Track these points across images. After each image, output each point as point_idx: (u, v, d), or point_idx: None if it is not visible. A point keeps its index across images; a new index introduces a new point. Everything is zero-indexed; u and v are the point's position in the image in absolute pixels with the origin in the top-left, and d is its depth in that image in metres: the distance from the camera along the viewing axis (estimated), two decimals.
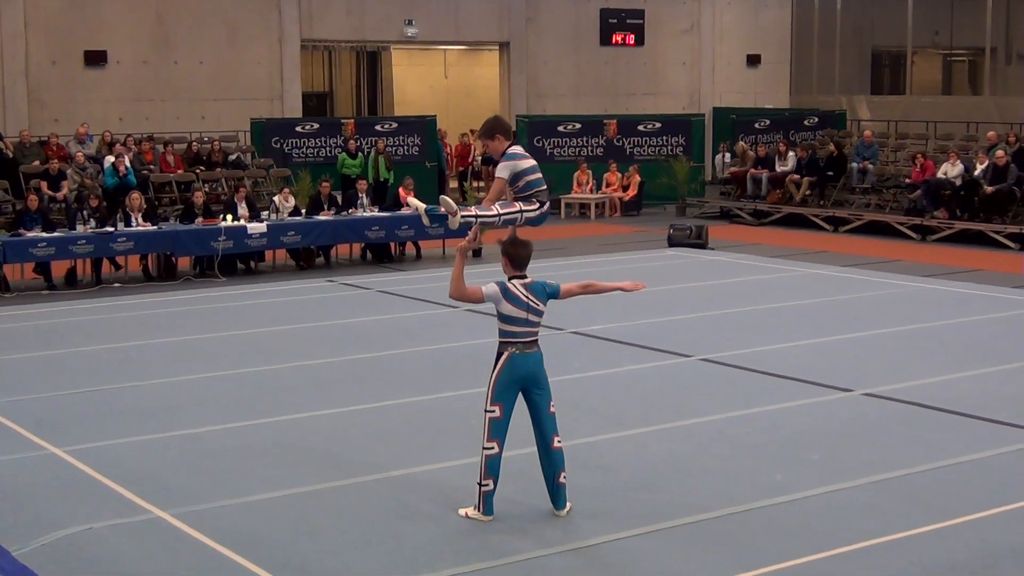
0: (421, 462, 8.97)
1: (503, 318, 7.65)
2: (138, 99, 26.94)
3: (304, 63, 30.14)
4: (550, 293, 7.75)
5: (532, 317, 7.66)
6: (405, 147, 27.03)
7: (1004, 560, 7.11)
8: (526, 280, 7.70)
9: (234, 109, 27.55)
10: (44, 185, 20.85)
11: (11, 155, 22.47)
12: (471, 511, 7.76)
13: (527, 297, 7.63)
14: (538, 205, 7.93)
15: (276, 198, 19.72)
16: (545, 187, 7.99)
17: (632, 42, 32.49)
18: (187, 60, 27.49)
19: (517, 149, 8.00)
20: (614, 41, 32.31)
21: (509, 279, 7.70)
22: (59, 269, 17.95)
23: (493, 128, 8.03)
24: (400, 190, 20.86)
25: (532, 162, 7.99)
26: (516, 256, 7.69)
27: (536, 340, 7.71)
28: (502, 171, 7.89)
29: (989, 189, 21.54)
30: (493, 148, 8.03)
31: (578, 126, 28.31)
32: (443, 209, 7.73)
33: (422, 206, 8.17)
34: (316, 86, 33.99)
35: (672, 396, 11.01)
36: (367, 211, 19.99)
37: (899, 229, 22.61)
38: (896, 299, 15.95)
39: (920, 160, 23.42)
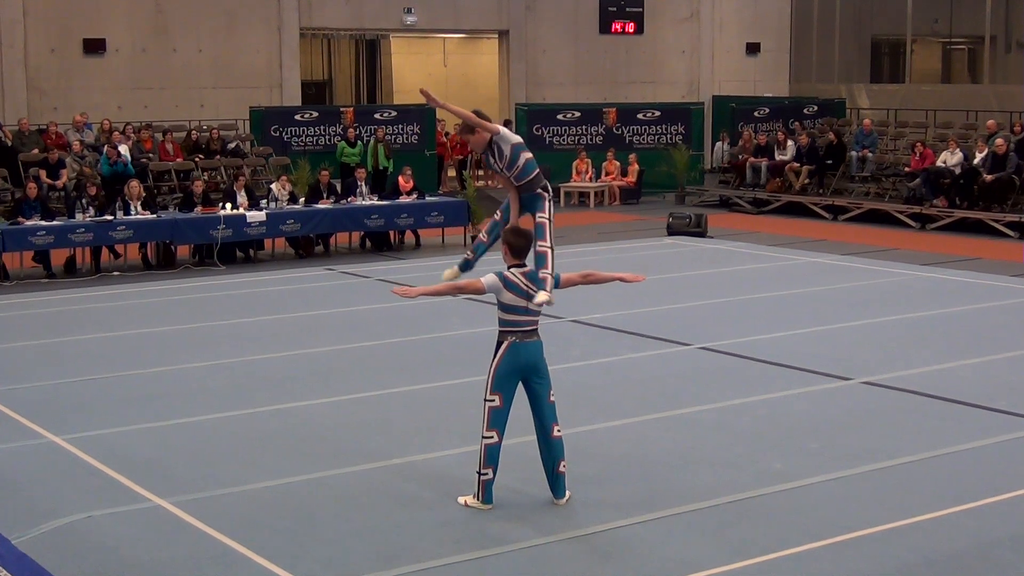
0: (421, 451, 8.98)
1: (503, 307, 7.64)
2: (137, 87, 26.89)
3: (303, 51, 30.08)
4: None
5: (532, 306, 7.65)
6: (404, 135, 27.01)
7: (1003, 548, 7.12)
8: (525, 269, 7.69)
9: (233, 97, 27.51)
10: (43, 173, 20.81)
11: (10, 143, 22.43)
12: (470, 500, 7.77)
13: (527, 286, 7.62)
14: (548, 198, 7.96)
15: (273, 186, 19.69)
16: (539, 169, 7.98)
17: (631, 30, 32.41)
18: (186, 48, 27.44)
19: (505, 130, 8.02)
20: (613, 29, 32.24)
21: (508, 268, 7.69)
22: (58, 258, 17.94)
23: (473, 122, 7.99)
24: (399, 179, 20.86)
25: (519, 138, 8.06)
26: (515, 245, 7.68)
27: (536, 329, 7.71)
28: (505, 142, 7.88)
29: (988, 177, 21.53)
30: (476, 141, 7.99)
31: (577, 114, 28.30)
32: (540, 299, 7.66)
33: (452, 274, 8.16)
34: (315, 74, 33.94)
35: (671, 384, 11.01)
36: (366, 199, 19.97)
37: (898, 217, 22.60)
38: (895, 287, 15.95)
39: (919, 148, 23.40)
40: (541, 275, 7.69)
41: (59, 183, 20.80)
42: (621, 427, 9.62)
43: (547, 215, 7.92)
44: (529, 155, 7.97)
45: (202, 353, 12.39)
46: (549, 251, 7.79)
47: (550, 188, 8.06)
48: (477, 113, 8.05)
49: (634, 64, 32.97)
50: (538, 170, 7.97)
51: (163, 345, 12.81)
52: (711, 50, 33.96)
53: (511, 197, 8.11)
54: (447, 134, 29.00)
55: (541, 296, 7.58)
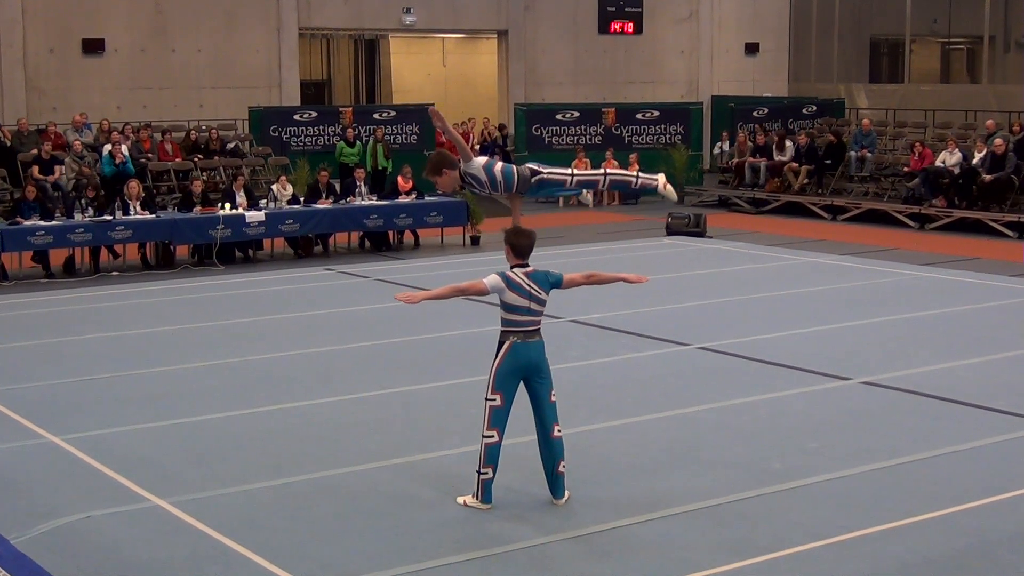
0: (420, 450, 8.97)
1: (506, 307, 7.64)
2: (136, 87, 26.91)
3: (302, 51, 30.10)
4: (553, 282, 7.74)
5: (534, 306, 7.65)
6: (403, 135, 27.02)
7: (1002, 547, 7.12)
8: (528, 269, 7.69)
9: (232, 97, 27.52)
10: (35, 169, 20.70)
11: (9, 143, 22.43)
12: (470, 499, 7.77)
13: (529, 286, 7.62)
14: (546, 174, 7.97)
15: (274, 186, 19.70)
16: (515, 167, 7.97)
17: (631, 30, 32.42)
18: (185, 48, 27.45)
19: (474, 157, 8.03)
20: (612, 29, 32.26)
21: (511, 268, 7.69)
22: (57, 258, 17.93)
23: (439, 164, 7.96)
24: (398, 178, 20.86)
25: (484, 158, 8.08)
26: (518, 245, 7.68)
27: (538, 329, 7.70)
28: (478, 169, 7.88)
29: (987, 177, 21.53)
30: (445, 182, 7.98)
31: (576, 115, 28.31)
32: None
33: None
34: (314, 74, 33.92)
35: (670, 384, 11.01)
36: (365, 199, 19.97)
37: (897, 217, 22.60)
38: (894, 287, 15.95)
39: (918, 148, 23.41)
40: (642, 181, 8.14)
41: (51, 179, 20.68)
42: (621, 427, 9.62)
43: (565, 177, 8.01)
44: (499, 165, 7.99)
45: (202, 353, 12.39)
46: (610, 177, 8.14)
47: (535, 167, 8.02)
48: (440, 154, 8.08)
49: (633, 64, 32.99)
50: (514, 168, 7.97)
51: (163, 345, 12.80)
52: (710, 50, 33.97)
53: (512, 200, 8.12)
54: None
55: (666, 187, 8.05)
